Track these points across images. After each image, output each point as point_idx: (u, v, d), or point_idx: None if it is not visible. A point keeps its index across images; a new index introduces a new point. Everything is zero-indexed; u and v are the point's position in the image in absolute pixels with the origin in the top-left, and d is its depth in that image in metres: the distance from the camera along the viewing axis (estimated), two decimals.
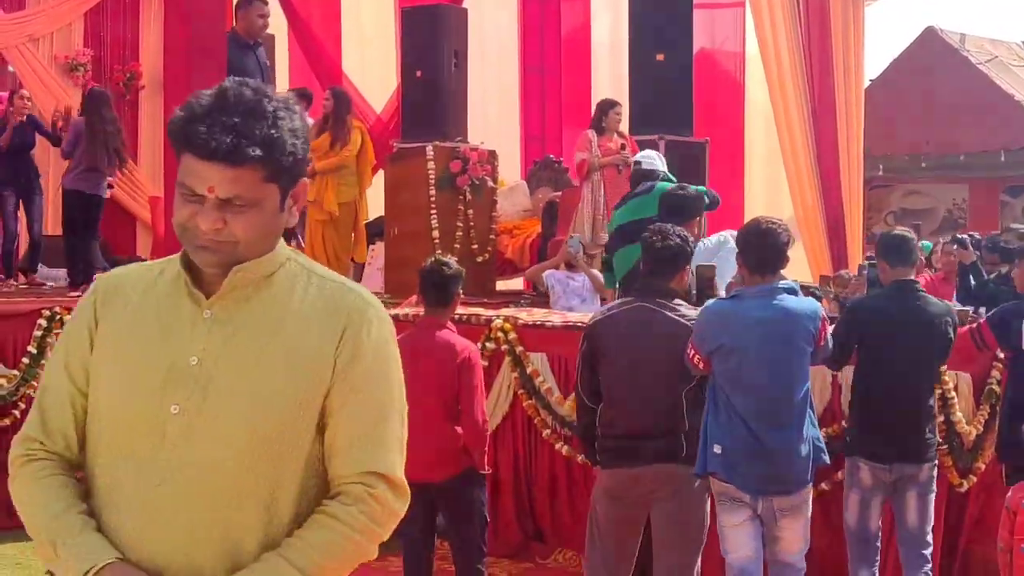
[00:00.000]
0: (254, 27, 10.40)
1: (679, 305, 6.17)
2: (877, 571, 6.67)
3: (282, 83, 15.60)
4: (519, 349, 8.85)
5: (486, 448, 6.65)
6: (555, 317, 9.23)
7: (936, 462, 6.64)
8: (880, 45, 55.37)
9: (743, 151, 15.53)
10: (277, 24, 15.53)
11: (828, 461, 6.20)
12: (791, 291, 6.00)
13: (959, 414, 7.25)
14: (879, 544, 6.69)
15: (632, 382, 6.08)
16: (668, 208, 8.17)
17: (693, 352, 5.92)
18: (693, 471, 5.97)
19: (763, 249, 6.00)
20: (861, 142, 13.88)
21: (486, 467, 6.65)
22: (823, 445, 6.10)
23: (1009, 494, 6.17)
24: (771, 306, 5.92)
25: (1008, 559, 6.05)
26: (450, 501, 6.63)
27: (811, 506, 6.16)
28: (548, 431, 8.74)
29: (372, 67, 16.11)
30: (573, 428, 8.47)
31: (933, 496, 6.56)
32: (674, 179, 9.57)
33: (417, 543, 6.77)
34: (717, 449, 5.84)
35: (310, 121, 13.31)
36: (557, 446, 8.71)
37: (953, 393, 7.25)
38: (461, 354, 6.55)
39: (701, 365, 5.92)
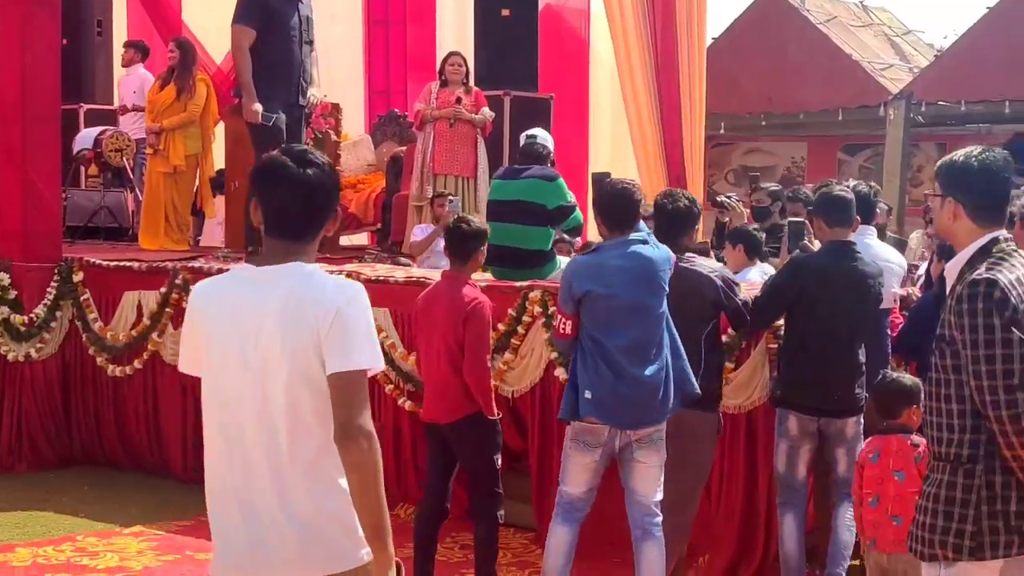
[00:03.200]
0: None
1: (692, 257, 6.80)
2: (804, 514, 7.09)
3: (119, 35, 15.23)
4: None
5: (491, 395, 6.95)
6: (398, 272, 9.20)
7: (861, 416, 6.98)
8: (722, 4, 55.63)
9: (588, 107, 15.56)
10: None
11: (698, 391, 6.56)
12: (644, 241, 6.47)
13: None
14: (805, 490, 7.13)
15: None
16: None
17: (561, 318, 6.47)
18: (706, 414, 6.77)
19: (619, 207, 6.52)
20: (703, 100, 13.98)
21: (495, 412, 6.92)
22: (691, 375, 6.53)
23: (859, 446, 6.32)
24: (629, 255, 6.40)
25: (859, 513, 6.19)
26: (458, 443, 6.98)
27: (666, 448, 6.51)
28: (391, 386, 8.72)
29: (213, 18, 15.77)
30: (417, 384, 8.49)
31: (860, 446, 6.82)
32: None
33: (433, 486, 7.15)
34: (588, 395, 6.31)
35: (151, 76, 13.02)
36: (400, 401, 8.70)
37: None
38: (468, 305, 6.83)
39: (569, 328, 6.42)
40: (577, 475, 6.51)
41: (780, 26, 21.58)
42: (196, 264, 9.85)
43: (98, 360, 9.99)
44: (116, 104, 14.13)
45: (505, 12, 12.15)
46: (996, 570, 4.21)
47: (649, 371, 6.34)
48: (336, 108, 11.91)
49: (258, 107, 9.32)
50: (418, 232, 10.61)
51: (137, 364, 9.81)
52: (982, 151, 4.36)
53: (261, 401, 3.62)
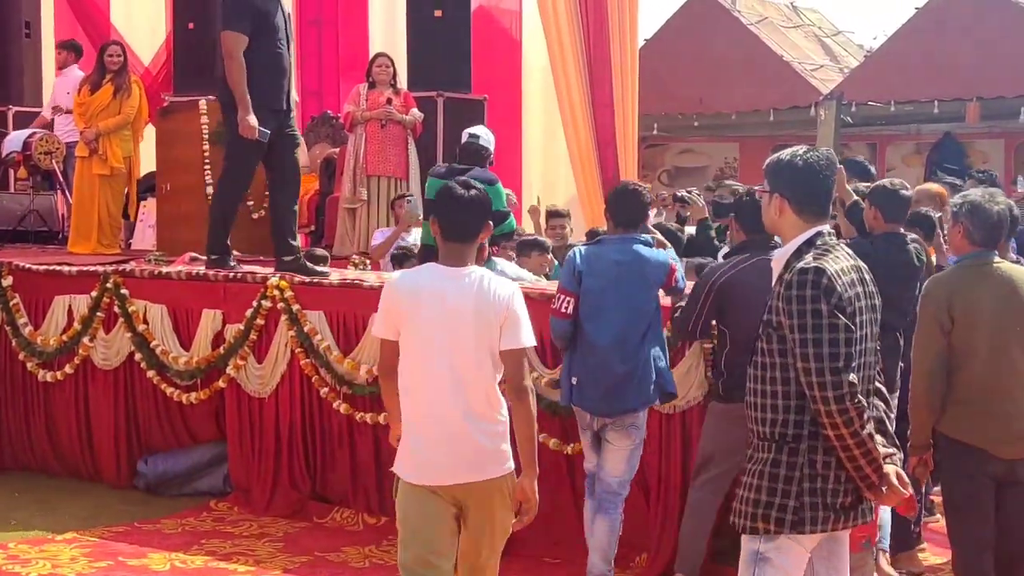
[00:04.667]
0: None
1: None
2: None
3: (48, 37, 15.09)
4: (296, 307, 8.75)
5: None
6: (333, 275, 9.15)
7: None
8: (653, 5, 55.87)
9: (521, 108, 15.57)
10: None
11: (675, 391, 7.11)
12: (646, 243, 7.05)
13: None
14: None
15: None
16: None
17: (564, 297, 6.90)
18: None
19: (628, 207, 7.07)
20: (636, 101, 14.03)
21: None
22: (670, 376, 7.07)
23: None
24: (628, 251, 6.96)
25: None
26: None
27: (643, 432, 7.05)
28: (326, 390, 8.67)
29: (139, 18, 15.66)
30: (353, 386, 8.47)
31: None
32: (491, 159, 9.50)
33: None
34: (574, 380, 6.94)
35: (80, 73, 12.88)
36: (335, 404, 8.66)
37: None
38: None
39: (571, 308, 6.87)
40: (587, 453, 7.13)
41: (711, 27, 21.68)
42: (127, 268, 9.76)
43: (28, 365, 9.88)
44: (49, 105, 13.96)
45: (437, 13, 12.13)
46: (809, 547, 4.53)
47: (627, 363, 6.81)
48: None
49: (254, 121, 8.86)
50: (378, 236, 10.62)
51: (68, 369, 9.70)
52: (807, 150, 4.64)
53: (459, 360, 5.10)
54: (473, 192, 5.25)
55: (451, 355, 5.11)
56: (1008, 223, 6.33)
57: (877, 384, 4.70)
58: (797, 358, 4.39)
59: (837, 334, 4.34)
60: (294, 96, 9.69)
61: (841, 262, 4.49)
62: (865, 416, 4.38)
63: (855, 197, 8.06)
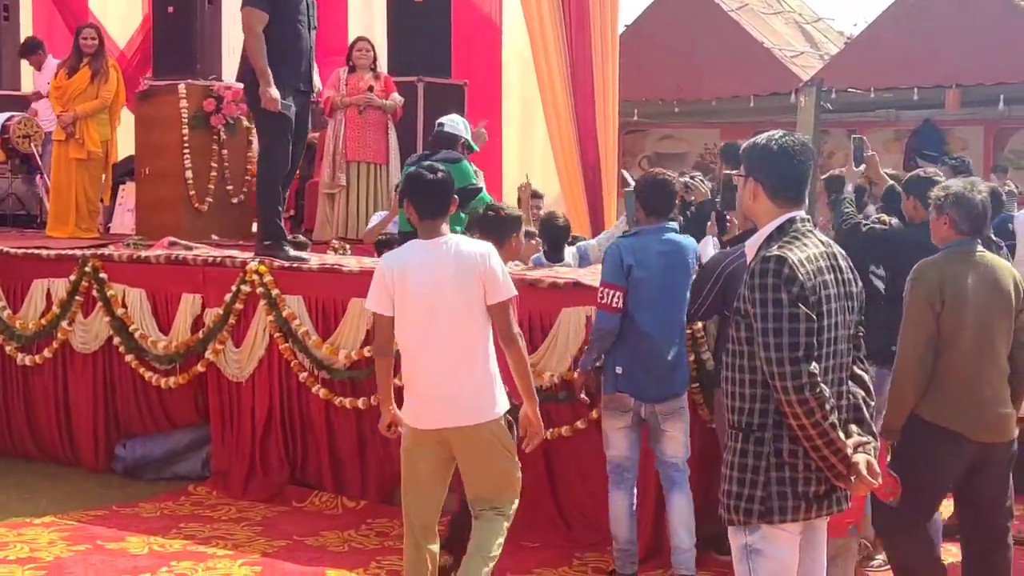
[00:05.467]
0: None
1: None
2: None
3: (26, 21, 15.01)
4: (275, 292, 8.75)
5: None
6: (312, 260, 9.15)
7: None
8: None
9: (501, 94, 15.52)
10: None
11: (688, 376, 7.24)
12: (675, 230, 7.22)
13: (708, 352, 7.46)
14: None
15: None
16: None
17: (612, 292, 6.94)
18: None
19: (659, 196, 7.16)
20: (617, 87, 14.01)
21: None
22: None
23: None
24: (665, 240, 7.10)
25: None
26: None
27: (688, 412, 7.14)
28: (304, 374, 8.67)
29: (116, 2, 15.59)
30: (332, 371, 8.47)
31: None
32: (476, 147, 9.54)
33: None
34: (619, 370, 6.98)
35: (55, 62, 12.82)
36: (314, 389, 8.66)
37: (702, 332, 7.46)
38: None
39: (620, 302, 6.91)
40: (616, 439, 7.14)
41: (692, 14, 21.63)
42: (106, 252, 9.73)
43: (7, 349, 9.87)
44: (31, 91, 13.88)
45: None
46: (796, 532, 4.50)
47: (673, 349, 7.02)
48: None
49: (275, 94, 8.93)
50: (375, 219, 10.64)
51: (47, 353, 9.69)
52: (783, 135, 4.62)
53: (447, 319, 5.80)
54: (439, 175, 6.01)
55: (439, 315, 5.80)
56: (991, 210, 6.40)
57: (856, 370, 4.67)
58: (759, 347, 4.37)
59: (797, 324, 4.32)
60: (316, 82, 9.70)
61: (809, 249, 4.45)
62: (827, 406, 4.35)
63: (890, 182, 8.16)
